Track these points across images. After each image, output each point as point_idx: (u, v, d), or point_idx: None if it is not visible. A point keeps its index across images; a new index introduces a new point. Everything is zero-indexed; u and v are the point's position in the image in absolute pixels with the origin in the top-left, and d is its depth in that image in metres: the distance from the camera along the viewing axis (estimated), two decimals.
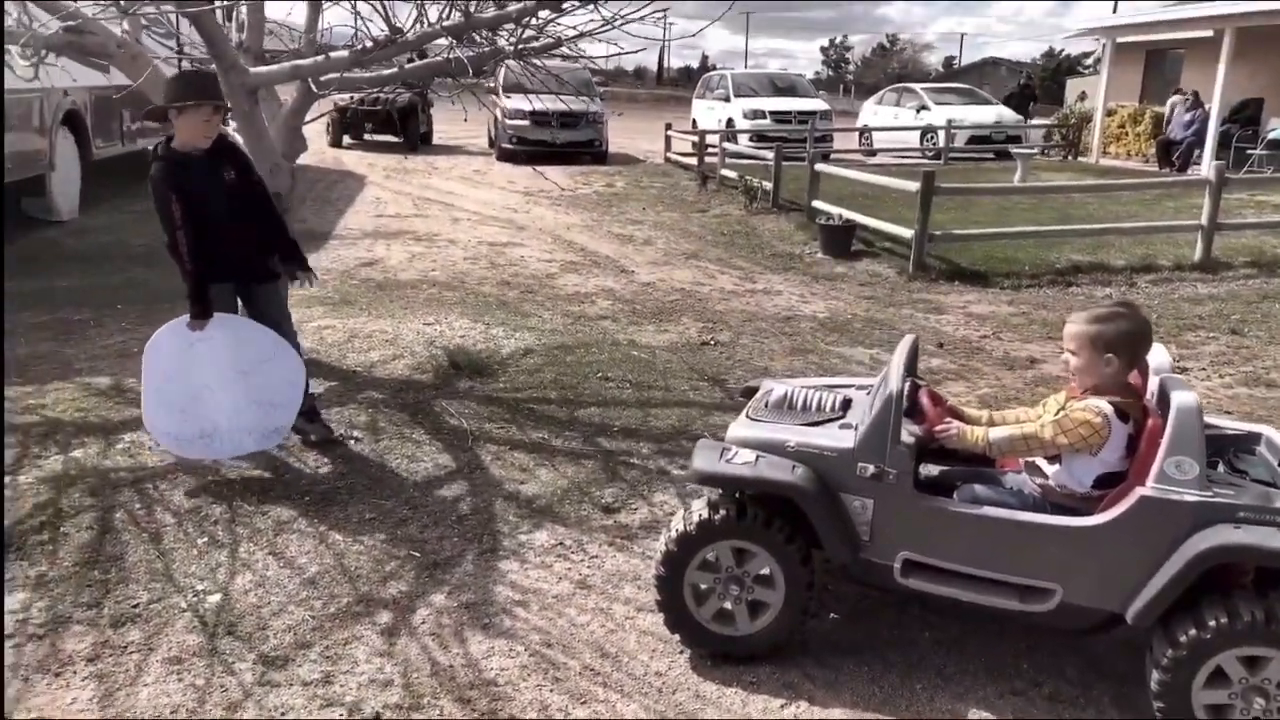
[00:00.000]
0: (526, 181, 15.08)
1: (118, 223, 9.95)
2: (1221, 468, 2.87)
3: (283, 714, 2.68)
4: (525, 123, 17.52)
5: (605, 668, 2.92)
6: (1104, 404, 2.71)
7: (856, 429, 2.89)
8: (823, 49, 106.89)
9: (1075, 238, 9.84)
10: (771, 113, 20.46)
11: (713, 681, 2.87)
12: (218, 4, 4.66)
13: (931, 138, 19.80)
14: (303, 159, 5.22)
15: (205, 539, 3.58)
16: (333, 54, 4.89)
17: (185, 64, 8.14)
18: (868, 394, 3.14)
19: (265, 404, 4.08)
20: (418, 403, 4.97)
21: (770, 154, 12.80)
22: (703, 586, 2.94)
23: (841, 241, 9.75)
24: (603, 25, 5.16)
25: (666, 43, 5.30)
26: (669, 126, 19.38)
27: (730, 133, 18.18)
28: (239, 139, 4.58)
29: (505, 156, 17.93)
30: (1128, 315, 2.79)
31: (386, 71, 5.36)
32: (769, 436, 2.95)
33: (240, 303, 4.28)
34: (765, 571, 2.89)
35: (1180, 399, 2.60)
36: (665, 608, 2.97)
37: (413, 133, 19.16)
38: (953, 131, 19.09)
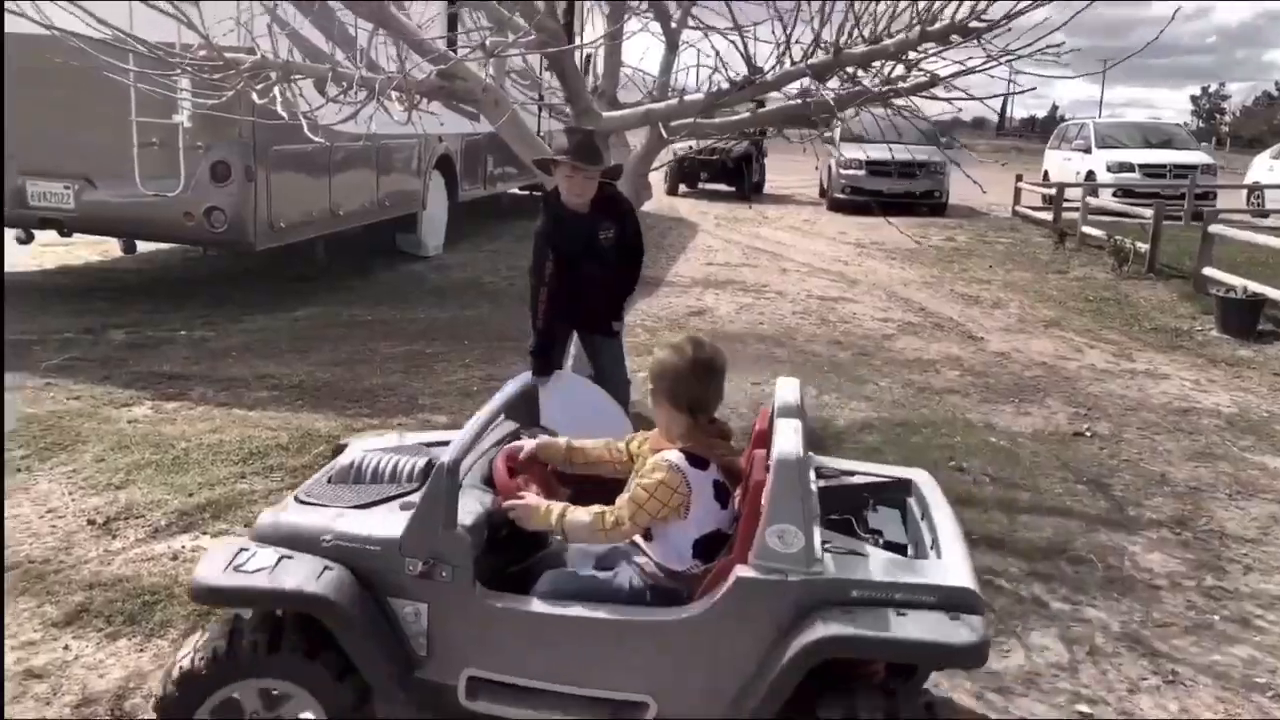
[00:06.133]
0: (859, 233, 14.45)
1: (474, 259, 10.64)
2: (859, 525, 2.47)
3: None
4: (861, 172, 16.93)
5: None
6: (671, 454, 2.25)
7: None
8: (1193, 98, 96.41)
9: None
10: (1141, 165, 18.26)
11: None
12: (578, 44, 4.59)
13: None
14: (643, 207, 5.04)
15: None
16: (686, 98, 4.67)
17: (544, 112, 8.47)
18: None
19: None
20: None
21: (1148, 211, 11.17)
22: None
23: (1245, 319, 8.15)
24: (985, 62, 4.51)
25: (1013, 91, 4.57)
26: (1019, 178, 17.89)
27: (1093, 187, 16.35)
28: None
29: (836, 206, 17.44)
30: (676, 356, 2.32)
31: (737, 116, 5.08)
32: (305, 525, 2.24)
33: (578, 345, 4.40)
34: (308, 717, 2.18)
35: (781, 449, 2.10)
36: None
37: (747, 181, 19.22)
38: None
